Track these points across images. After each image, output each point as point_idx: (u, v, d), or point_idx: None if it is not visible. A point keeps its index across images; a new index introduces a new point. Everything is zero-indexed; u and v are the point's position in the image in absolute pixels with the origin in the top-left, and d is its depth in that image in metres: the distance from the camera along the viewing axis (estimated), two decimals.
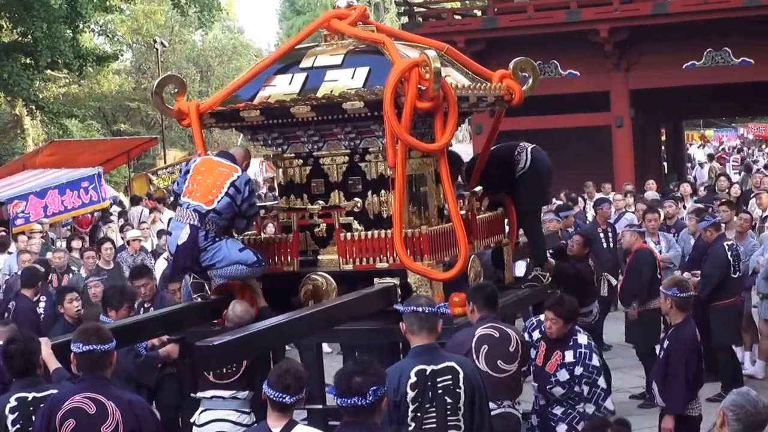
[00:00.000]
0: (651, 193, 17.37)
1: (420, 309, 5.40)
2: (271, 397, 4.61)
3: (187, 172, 6.68)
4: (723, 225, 11.05)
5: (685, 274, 10.09)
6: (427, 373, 5.35)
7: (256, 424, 4.79)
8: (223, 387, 7.07)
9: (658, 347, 7.57)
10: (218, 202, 6.44)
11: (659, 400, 7.05)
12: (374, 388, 4.42)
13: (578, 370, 6.64)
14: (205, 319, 6.98)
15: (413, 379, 5.31)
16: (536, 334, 6.87)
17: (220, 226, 6.49)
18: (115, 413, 4.82)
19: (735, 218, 11.49)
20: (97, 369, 4.93)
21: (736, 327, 10.49)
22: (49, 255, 13.48)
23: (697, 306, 9.60)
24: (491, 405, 5.99)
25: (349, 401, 4.37)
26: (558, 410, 6.77)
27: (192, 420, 7.15)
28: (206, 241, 6.43)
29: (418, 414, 5.31)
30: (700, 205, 13.00)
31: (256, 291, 6.83)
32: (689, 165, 31.09)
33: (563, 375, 6.65)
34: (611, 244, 12.43)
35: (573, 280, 8.83)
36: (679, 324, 6.92)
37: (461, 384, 5.39)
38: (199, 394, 7.15)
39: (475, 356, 6.18)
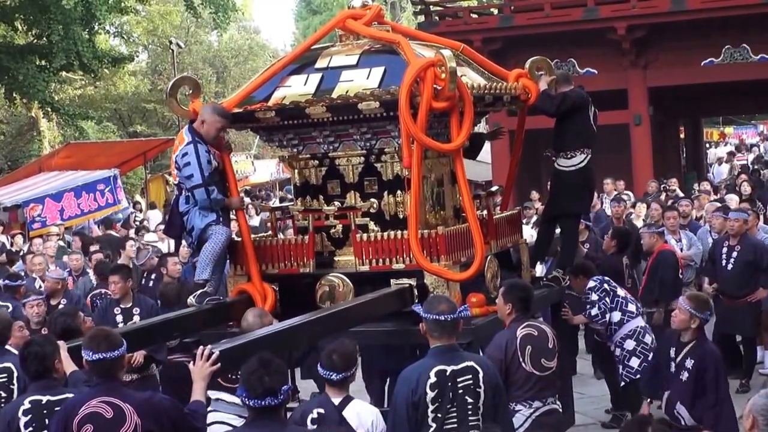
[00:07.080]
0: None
1: (442, 317, 5.36)
2: (323, 375, 5.37)
3: None
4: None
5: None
6: (447, 373, 5.32)
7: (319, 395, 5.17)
8: (229, 390, 6.99)
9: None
10: (176, 172, 6.82)
11: (689, 421, 6.53)
12: (284, 387, 4.39)
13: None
14: (220, 321, 6.93)
15: (433, 379, 5.28)
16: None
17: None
18: (132, 416, 4.80)
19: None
20: (109, 374, 4.91)
21: (759, 321, 10.45)
22: (65, 258, 13.49)
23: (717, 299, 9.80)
24: (537, 403, 6.10)
25: (262, 402, 4.33)
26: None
27: None
28: (187, 204, 6.76)
29: (439, 415, 5.28)
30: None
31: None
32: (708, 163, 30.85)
33: None
34: None
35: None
36: (699, 339, 6.59)
37: (482, 383, 5.38)
38: (208, 393, 7.10)
39: (521, 358, 6.22)
